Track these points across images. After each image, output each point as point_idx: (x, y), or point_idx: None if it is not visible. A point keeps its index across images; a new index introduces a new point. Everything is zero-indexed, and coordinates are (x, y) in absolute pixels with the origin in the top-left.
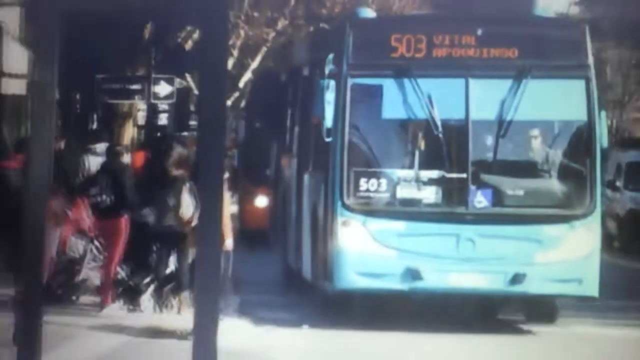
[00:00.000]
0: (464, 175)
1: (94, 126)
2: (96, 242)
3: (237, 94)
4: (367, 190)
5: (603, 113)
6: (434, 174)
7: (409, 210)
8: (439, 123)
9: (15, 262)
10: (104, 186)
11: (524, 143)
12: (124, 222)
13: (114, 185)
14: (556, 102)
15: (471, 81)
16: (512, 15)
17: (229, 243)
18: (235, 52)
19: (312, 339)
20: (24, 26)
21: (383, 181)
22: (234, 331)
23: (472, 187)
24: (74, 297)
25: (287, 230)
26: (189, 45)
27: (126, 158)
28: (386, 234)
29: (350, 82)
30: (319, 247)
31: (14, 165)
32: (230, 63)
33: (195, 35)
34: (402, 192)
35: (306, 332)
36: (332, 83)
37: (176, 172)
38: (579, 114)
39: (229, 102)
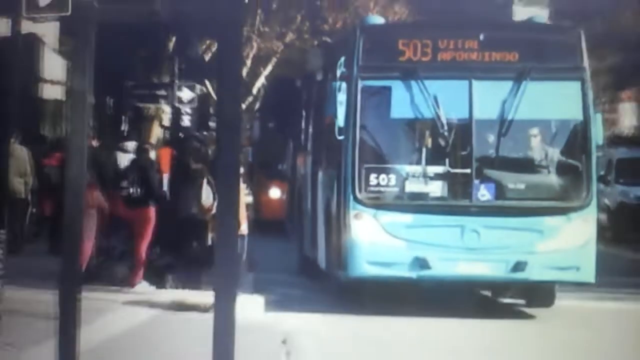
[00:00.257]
0: (468, 171)
1: (125, 127)
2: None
3: (250, 99)
4: (378, 185)
5: (599, 115)
6: (440, 169)
7: (416, 204)
8: (444, 122)
9: (58, 246)
10: (134, 180)
11: (524, 141)
12: (152, 211)
13: (142, 179)
14: (554, 102)
15: (474, 83)
16: (513, 22)
17: (244, 228)
18: (249, 62)
19: (327, 324)
20: (61, 38)
21: (392, 176)
22: (251, 306)
23: (476, 182)
24: (109, 277)
25: (303, 223)
26: (208, 56)
27: (153, 155)
28: (396, 226)
29: (360, 84)
30: (332, 239)
31: (53, 163)
32: (244, 72)
33: (214, 48)
34: (410, 187)
35: (321, 317)
36: (344, 85)
37: (195, 166)
38: (575, 114)
39: (243, 106)
